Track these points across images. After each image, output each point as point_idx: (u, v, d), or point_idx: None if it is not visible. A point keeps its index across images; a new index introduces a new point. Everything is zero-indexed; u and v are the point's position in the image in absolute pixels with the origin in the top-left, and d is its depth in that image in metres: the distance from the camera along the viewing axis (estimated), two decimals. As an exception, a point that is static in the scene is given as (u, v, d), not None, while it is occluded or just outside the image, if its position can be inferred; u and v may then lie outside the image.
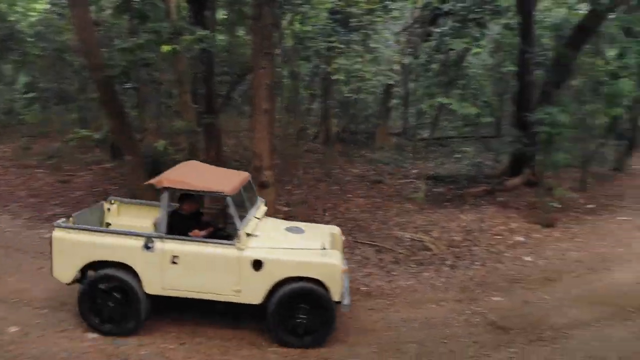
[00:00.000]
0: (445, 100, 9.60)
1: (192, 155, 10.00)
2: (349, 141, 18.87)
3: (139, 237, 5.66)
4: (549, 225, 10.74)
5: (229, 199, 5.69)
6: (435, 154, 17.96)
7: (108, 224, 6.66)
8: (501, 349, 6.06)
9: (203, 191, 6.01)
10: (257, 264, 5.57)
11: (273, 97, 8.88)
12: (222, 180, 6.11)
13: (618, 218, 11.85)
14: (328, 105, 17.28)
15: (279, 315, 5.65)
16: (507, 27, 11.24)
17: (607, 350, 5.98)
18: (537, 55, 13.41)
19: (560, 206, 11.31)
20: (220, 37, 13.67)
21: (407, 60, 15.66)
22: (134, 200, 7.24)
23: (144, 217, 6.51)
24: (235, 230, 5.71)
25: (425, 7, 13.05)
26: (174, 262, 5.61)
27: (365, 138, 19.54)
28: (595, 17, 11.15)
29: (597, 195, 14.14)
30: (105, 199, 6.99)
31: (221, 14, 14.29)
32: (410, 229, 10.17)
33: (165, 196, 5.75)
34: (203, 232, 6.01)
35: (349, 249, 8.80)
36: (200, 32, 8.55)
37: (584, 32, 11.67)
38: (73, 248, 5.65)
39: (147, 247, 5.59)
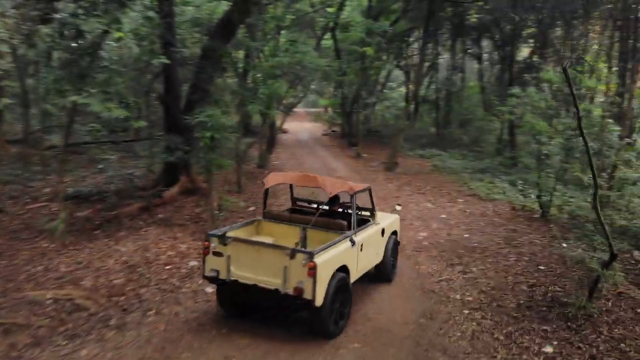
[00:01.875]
0: (80, 100, 7.13)
1: None
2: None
3: (346, 238, 6.49)
4: (220, 239, 9.67)
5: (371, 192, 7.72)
6: (73, 165, 14.71)
7: None
8: None
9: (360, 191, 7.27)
10: (382, 231, 7.74)
11: None
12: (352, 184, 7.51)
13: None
14: None
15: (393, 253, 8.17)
16: (148, 11, 9.39)
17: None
18: (181, 49, 12.17)
19: (226, 216, 10.44)
20: None
21: (22, 49, 12.02)
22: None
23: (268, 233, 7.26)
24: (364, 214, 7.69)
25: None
26: (361, 249, 6.80)
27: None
28: (241, 11, 10.60)
29: (254, 196, 14.06)
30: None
31: None
32: (52, 282, 7.30)
33: (354, 200, 6.93)
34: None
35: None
36: None
37: (231, 25, 11.01)
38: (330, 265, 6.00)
39: (352, 243, 6.54)
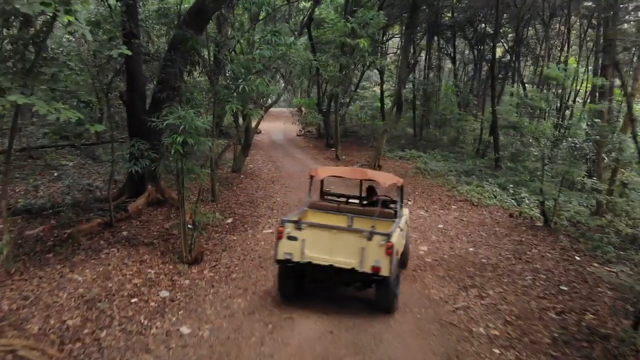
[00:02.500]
0: (23, 100, 5.69)
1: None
2: None
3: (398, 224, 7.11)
4: (195, 260, 8.31)
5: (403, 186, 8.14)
6: (24, 172, 13.03)
7: None
8: None
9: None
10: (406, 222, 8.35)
11: None
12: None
13: (264, 232, 10.54)
14: None
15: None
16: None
17: None
18: (146, 43, 10.74)
19: (201, 233, 9.08)
20: None
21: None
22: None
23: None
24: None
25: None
26: (401, 231, 7.17)
27: None
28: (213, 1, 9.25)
29: (231, 205, 12.73)
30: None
31: None
32: (-14, 328, 5.83)
33: (401, 190, 7.81)
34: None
35: None
36: None
37: (203, 14, 9.61)
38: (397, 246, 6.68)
39: (401, 229, 7.15)
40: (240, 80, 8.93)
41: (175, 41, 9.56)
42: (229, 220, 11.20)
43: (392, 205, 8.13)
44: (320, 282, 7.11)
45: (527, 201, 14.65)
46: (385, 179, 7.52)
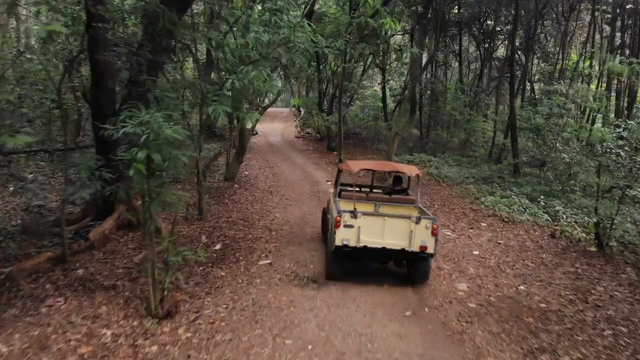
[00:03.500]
0: None
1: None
2: None
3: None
4: (169, 313, 6.24)
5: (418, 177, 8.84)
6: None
7: None
8: None
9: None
10: None
11: None
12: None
13: (260, 263, 8.48)
14: None
15: None
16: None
17: None
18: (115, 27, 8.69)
19: (180, 277, 6.99)
20: None
21: None
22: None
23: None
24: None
25: None
26: None
27: None
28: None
29: (221, 224, 10.69)
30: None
31: None
32: None
33: (418, 180, 8.77)
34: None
35: None
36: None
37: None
38: None
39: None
40: (230, 75, 6.84)
41: (145, 20, 7.47)
42: (217, 247, 9.14)
43: (410, 193, 9.55)
44: (372, 261, 8.20)
45: (564, 216, 12.65)
46: (410, 170, 8.87)
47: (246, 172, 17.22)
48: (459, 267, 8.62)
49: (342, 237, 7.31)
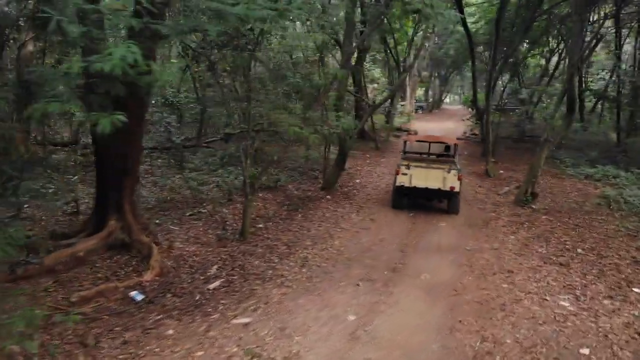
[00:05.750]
0: None
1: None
2: None
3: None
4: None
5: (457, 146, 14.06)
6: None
7: None
8: None
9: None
10: None
11: None
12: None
13: (235, 321, 6.24)
14: None
15: None
16: None
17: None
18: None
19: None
20: None
21: None
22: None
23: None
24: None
25: None
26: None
27: None
28: None
29: (255, 251, 8.73)
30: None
31: None
32: None
33: (457, 148, 14.07)
34: None
35: None
36: None
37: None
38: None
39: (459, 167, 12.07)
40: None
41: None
42: (212, 285, 7.16)
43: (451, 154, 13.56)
44: (419, 197, 11.89)
45: None
46: (451, 140, 13.97)
47: (358, 180, 14.96)
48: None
49: (400, 180, 11.36)
